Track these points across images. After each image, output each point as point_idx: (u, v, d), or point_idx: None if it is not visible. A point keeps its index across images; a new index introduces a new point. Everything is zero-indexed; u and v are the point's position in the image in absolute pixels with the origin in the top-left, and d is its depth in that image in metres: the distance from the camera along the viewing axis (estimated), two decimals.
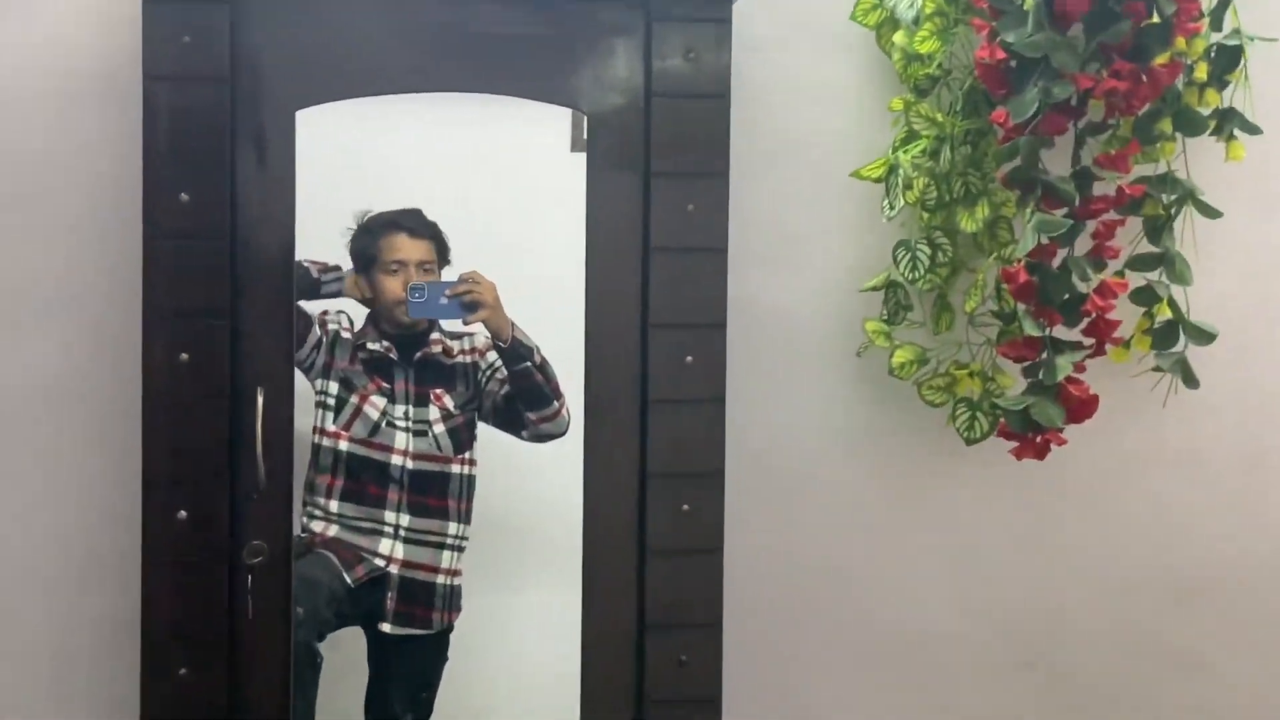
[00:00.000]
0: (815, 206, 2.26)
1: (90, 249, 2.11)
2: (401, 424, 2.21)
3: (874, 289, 2.21)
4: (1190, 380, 2.22)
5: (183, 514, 1.98)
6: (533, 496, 2.31)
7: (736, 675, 2.20)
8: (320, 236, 2.13)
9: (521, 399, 2.21)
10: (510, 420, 2.25)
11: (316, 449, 2.19)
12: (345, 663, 2.22)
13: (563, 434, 2.22)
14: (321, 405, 2.19)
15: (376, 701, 2.27)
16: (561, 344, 2.18)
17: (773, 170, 2.24)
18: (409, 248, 2.20)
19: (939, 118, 2.13)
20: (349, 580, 2.19)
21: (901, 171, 2.13)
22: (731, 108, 2.07)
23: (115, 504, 2.11)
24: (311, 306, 2.16)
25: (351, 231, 2.20)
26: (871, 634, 2.34)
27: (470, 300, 2.16)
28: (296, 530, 2.10)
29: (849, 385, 2.29)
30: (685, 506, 2.09)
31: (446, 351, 2.26)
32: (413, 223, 2.20)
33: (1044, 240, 2.02)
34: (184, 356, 1.97)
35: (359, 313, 2.21)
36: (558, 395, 2.22)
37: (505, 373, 2.22)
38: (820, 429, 2.29)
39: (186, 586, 2.00)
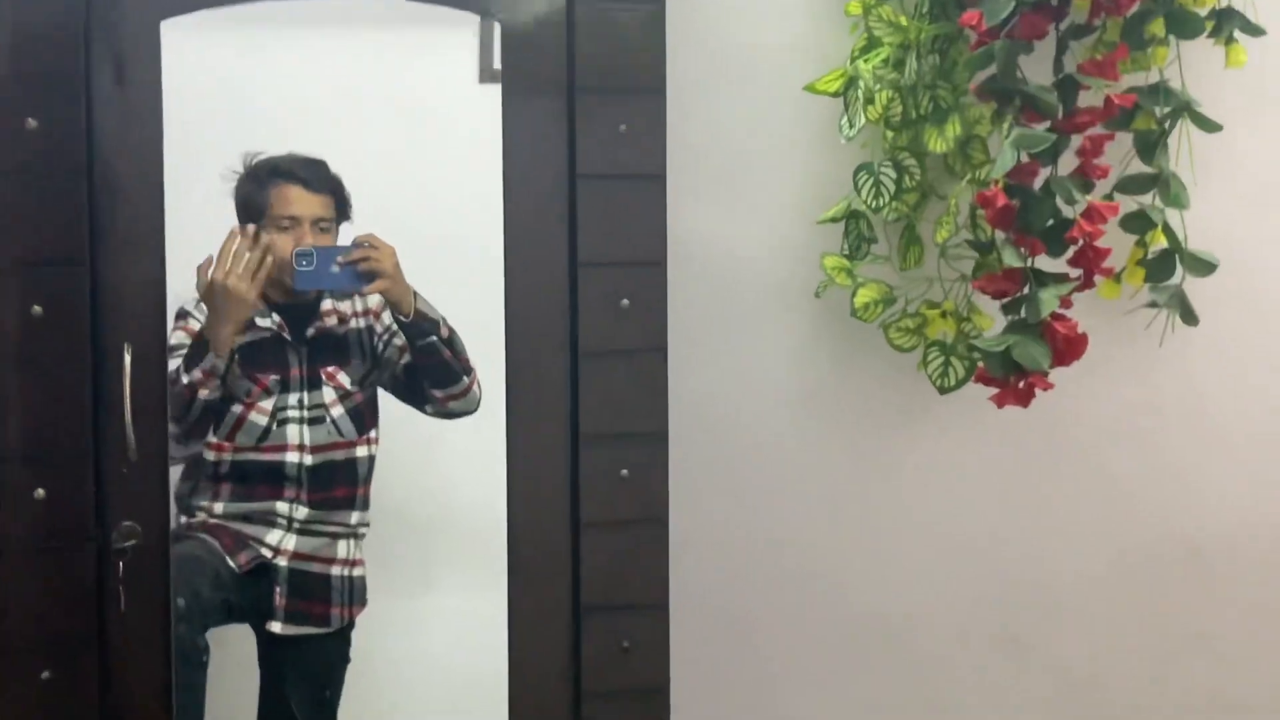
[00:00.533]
0: (764, 126, 2.09)
1: None
2: (295, 414, 2.02)
3: (832, 220, 2.04)
4: (1189, 317, 2.08)
5: (40, 493, 1.78)
6: (446, 473, 2.15)
7: (686, 662, 2.03)
8: (195, 177, 1.91)
9: (427, 376, 2.03)
10: (412, 393, 2.06)
11: (193, 462, 1.99)
12: (235, 662, 2.04)
13: (473, 412, 2.04)
14: (188, 418, 1.97)
15: (271, 711, 2.07)
16: (478, 300, 1.98)
17: (716, 86, 2.07)
18: (304, 202, 1.98)
19: (903, 22, 1.95)
20: (233, 566, 2.00)
21: (862, 84, 1.96)
22: (667, 15, 1.88)
23: None
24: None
25: (237, 176, 1.98)
26: (837, 611, 2.18)
27: (366, 268, 1.95)
28: (173, 523, 1.90)
29: (807, 330, 2.12)
30: (624, 472, 1.90)
31: (340, 319, 2.06)
32: (309, 173, 1.98)
33: (1024, 158, 1.88)
34: (37, 310, 1.76)
35: None
36: (467, 370, 2.03)
37: (402, 343, 2.04)
38: (775, 380, 2.13)
39: (47, 577, 1.79)
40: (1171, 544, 2.24)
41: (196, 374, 1.94)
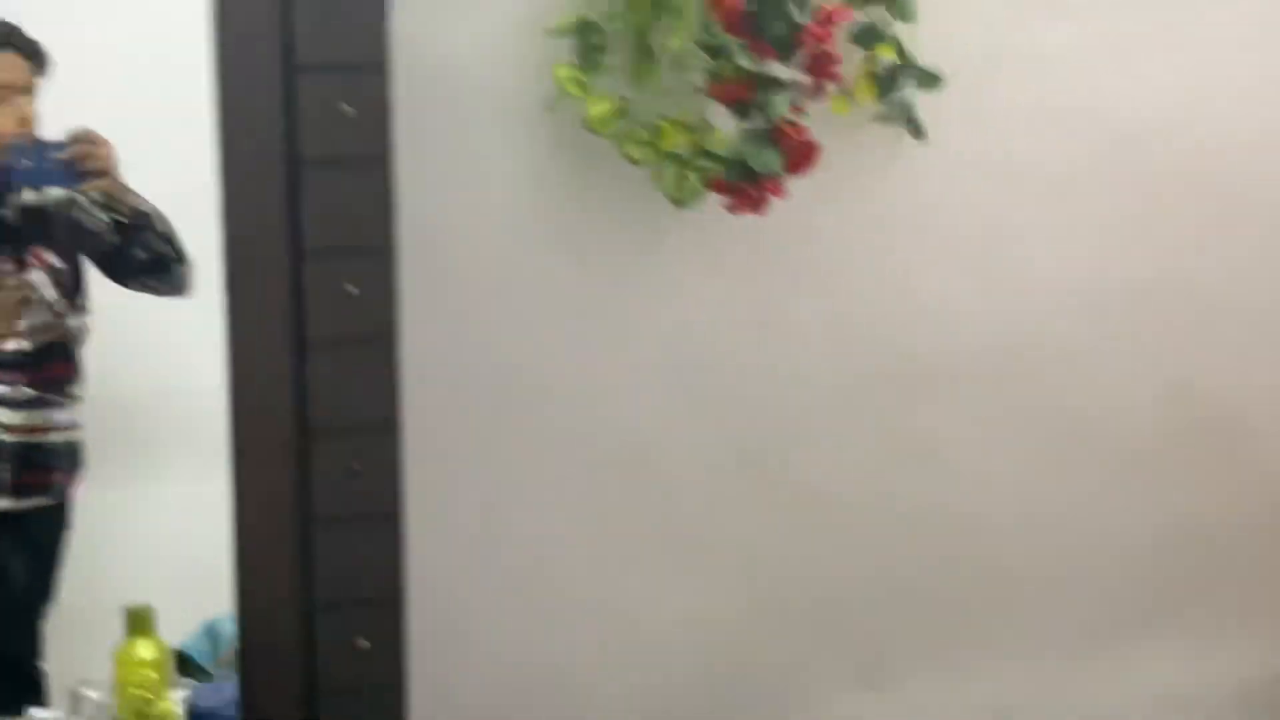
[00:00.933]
0: None
1: None
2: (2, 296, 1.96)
3: (563, 32, 1.97)
4: (918, 132, 2.10)
5: None
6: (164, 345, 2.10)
7: (419, 489, 1.95)
8: None
9: (141, 268, 2.00)
10: (119, 272, 2.03)
11: None
12: None
13: (183, 295, 2.04)
14: None
15: None
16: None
17: None
18: (15, 68, 1.92)
19: None
20: None
21: None
22: None
23: None
24: None
25: None
26: (574, 433, 2.14)
27: (86, 166, 1.89)
28: None
29: (538, 144, 2.05)
30: (350, 288, 1.81)
31: (39, 191, 1.99)
32: (16, 39, 1.92)
33: None
34: None
35: None
36: (181, 258, 2.02)
37: (104, 221, 1.99)
38: (506, 197, 2.06)
39: None
40: (900, 359, 2.26)
41: None
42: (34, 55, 1.94)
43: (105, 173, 1.93)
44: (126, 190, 1.95)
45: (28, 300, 1.97)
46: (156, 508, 2.14)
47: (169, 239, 1.99)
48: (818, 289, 2.21)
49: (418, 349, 1.93)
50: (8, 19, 1.94)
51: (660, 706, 2.23)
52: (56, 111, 2.01)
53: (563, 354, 2.12)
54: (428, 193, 1.99)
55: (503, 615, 2.14)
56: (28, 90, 1.92)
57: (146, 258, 2.00)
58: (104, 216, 1.99)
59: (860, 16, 2.01)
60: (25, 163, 1.90)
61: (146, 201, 1.96)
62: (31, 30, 1.97)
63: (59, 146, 1.91)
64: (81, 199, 1.99)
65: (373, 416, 1.84)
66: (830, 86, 1.96)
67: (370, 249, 1.83)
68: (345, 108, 1.80)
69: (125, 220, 1.97)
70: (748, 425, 2.21)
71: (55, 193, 2.00)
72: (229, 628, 2.06)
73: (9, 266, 1.98)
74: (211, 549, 1.92)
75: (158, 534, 2.14)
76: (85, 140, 1.91)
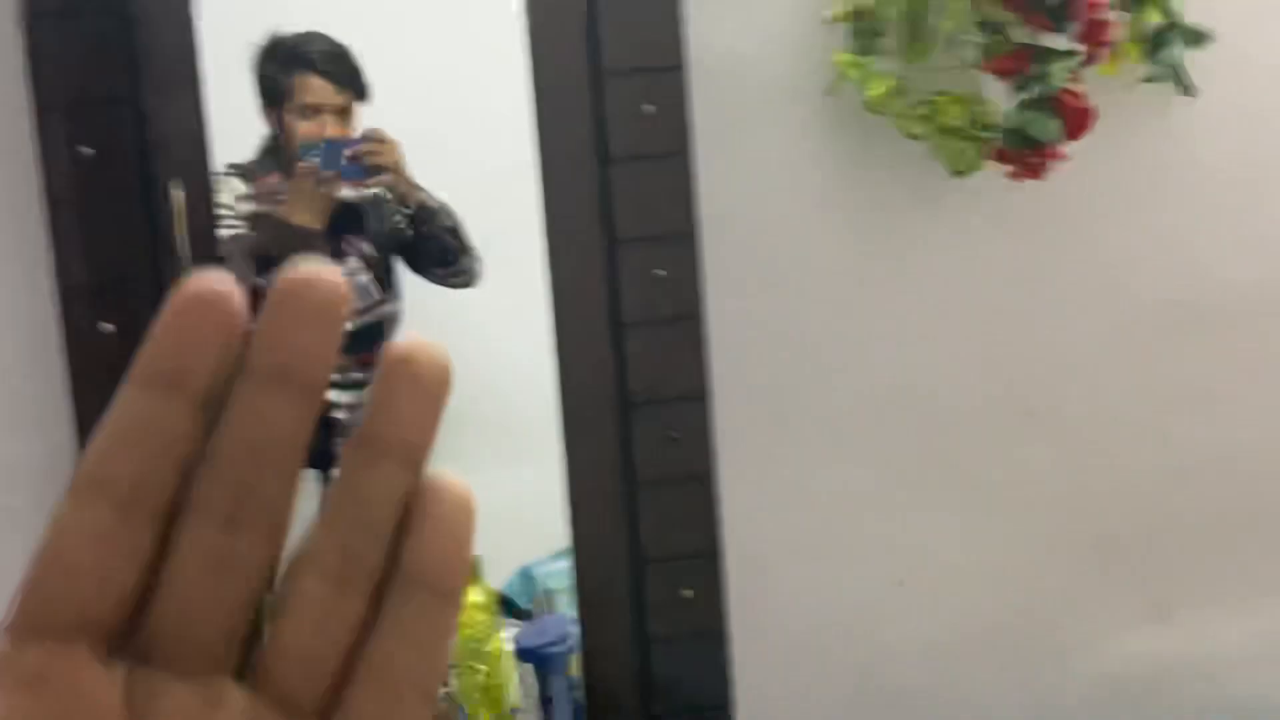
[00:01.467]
0: None
1: None
2: None
3: (840, 20, 2.02)
4: (1188, 89, 2.08)
5: (107, 327, 1.79)
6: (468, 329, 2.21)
7: (729, 450, 2.05)
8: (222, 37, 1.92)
9: (429, 258, 2.10)
10: (418, 264, 2.17)
11: None
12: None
13: (472, 286, 2.17)
14: None
15: None
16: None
17: None
18: (326, 92, 2.03)
19: None
20: None
21: None
22: None
23: (34, 328, 1.89)
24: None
25: (260, 52, 2.01)
26: (865, 388, 2.19)
27: (372, 163, 1.99)
28: None
29: (821, 127, 2.11)
30: (660, 271, 1.93)
31: (355, 188, 2.13)
32: (333, 67, 2.03)
33: None
34: (86, 150, 1.77)
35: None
36: (466, 250, 2.13)
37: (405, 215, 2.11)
38: (795, 177, 2.11)
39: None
40: (1172, 308, 2.25)
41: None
42: (352, 82, 2.04)
43: (391, 169, 2.02)
44: (413, 185, 2.05)
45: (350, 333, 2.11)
46: (471, 472, 2.26)
47: (455, 232, 2.09)
48: (1093, 244, 2.22)
49: (723, 324, 2.03)
50: (338, 41, 2.05)
51: (952, 640, 2.27)
52: (380, 118, 2.17)
53: (855, 319, 2.17)
54: (725, 180, 2.06)
55: (808, 562, 2.21)
56: (339, 112, 2.03)
57: (436, 249, 2.10)
58: (400, 211, 2.10)
59: None
60: (315, 156, 1.99)
61: (433, 197, 2.06)
62: (360, 43, 2.11)
63: (350, 143, 2.01)
64: (383, 194, 2.11)
65: (686, 388, 1.96)
66: (1103, 52, 1.96)
67: (674, 235, 1.94)
68: (647, 107, 1.91)
69: (412, 213, 2.07)
70: (1028, 375, 2.24)
71: (370, 191, 2.12)
72: (540, 571, 2.19)
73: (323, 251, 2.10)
74: (519, 500, 2.05)
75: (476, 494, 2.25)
76: (374, 139, 2.01)
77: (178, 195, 1.81)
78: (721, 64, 2.05)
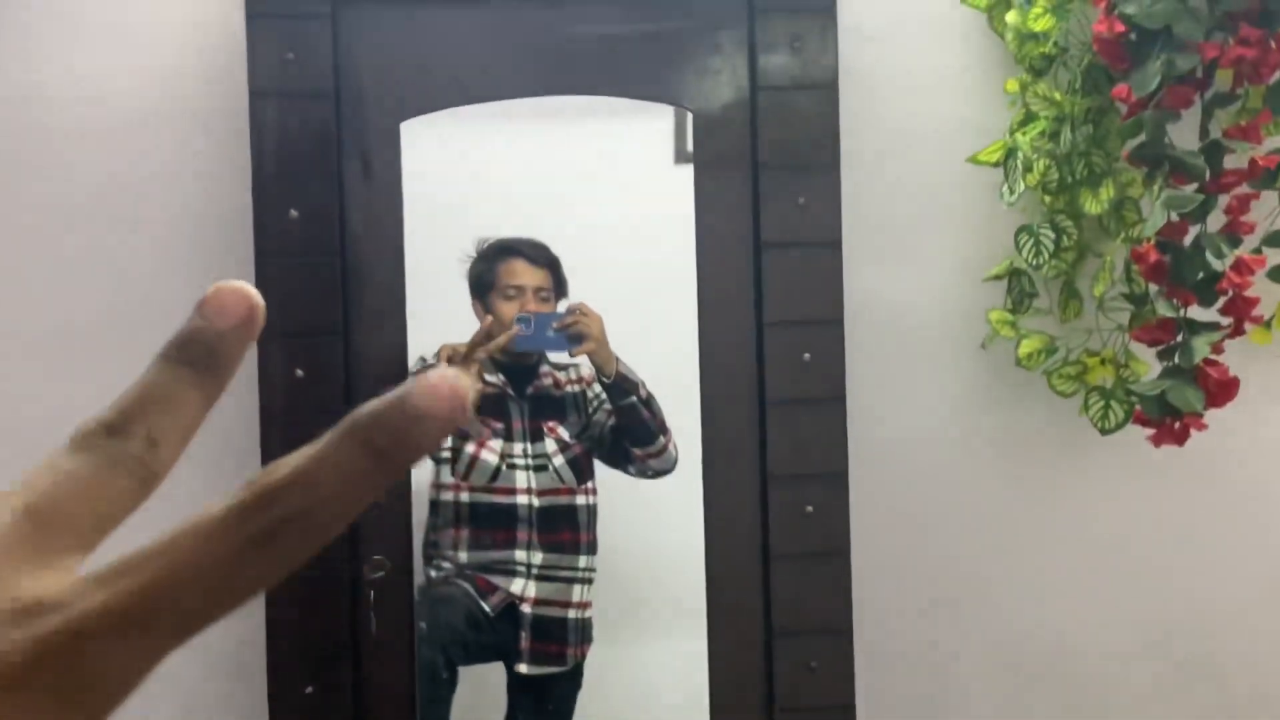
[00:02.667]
0: (931, 196, 2.12)
1: (204, 270, 2.04)
2: (521, 462, 2.15)
3: (996, 278, 2.08)
4: None
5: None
6: (653, 520, 2.24)
7: (868, 684, 2.06)
8: (430, 258, 2.05)
9: (627, 435, 2.15)
10: (616, 455, 2.18)
11: (435, 504, 2.13)
12: (483, 699, 2.18)
13: (670, 470, 2.15)
14: (435, 460, 2.12)
15: None
16: (675, 360, 2.10)
17: (886, 161, 2.11)
18: (527, 274, 2.15)
19: (1058, 97, 1.99)
20: (486, 608, 2.13)
21: (1021, 154, 2.00)
22: (840, 98, 1.96)
23: None
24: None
25: (471, 259, 2.14)
26: (1009, 643, 2.17)
27: (576, 332, 2.10)
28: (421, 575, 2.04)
29: (974, 379, 2.14)
30: (809, 508, 1.98)
31: (556, 383, 2.20)
32: (532, 251, 2.15)
33: (1174, 217, 1.87)
34: (299, 373, 1.91)
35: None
36: (664, 430, 2.15)
37: (609, 410, 2.16)
38: (946, 425, 2.15)
39: (310, 603, 1.93)
40: None
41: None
42: (550, 266, 2.16)
43: (594, 338, 2.12)
44: (612, 357, 2.12)
45: (536, 510, 2.16)
46: (643, 664, 2.24)
47: (650, 405, 2.13)
48: (1233, 503, 2.19)
49: (873, 549, 2.06)
50: (540, 240, 2.17)
51: None
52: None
53: (996, 562, 2.16)
54: (878, 423, 2.11)
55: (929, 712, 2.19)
56: (538, 293, 2.14)
57: (636, 426, 2.14)
58: (609, 407, 2.17)
59: (1277, 256, 2.00)
60: (526, 329, 2.11)
61: (633, 371, 2.12)
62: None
63: (556, 316, 2.12)
64: (592, 393, 2.18)
65: (828, 622, 1.98)
66: (1247, 326, 1.95)
67: (826, 474, 1.98)
68: (805, 356, 1.97)
69: (609, 382, 2.14)
70: (1168, 630, 2.19)
71: (572, 389, 2.19)
72: None
73: (520, 426, 2.16)
74: (689, 696, 2.06)
75: (647, 684, 2.24)
76: (578, 311, 2.11)
77: None
78: (880, 316, 2.11)
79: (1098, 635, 2.19)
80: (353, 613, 1.94)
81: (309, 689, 1.92)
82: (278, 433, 1.91)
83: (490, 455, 2.13)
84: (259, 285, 1.87)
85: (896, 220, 2.12)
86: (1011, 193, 2.02)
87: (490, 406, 2.14)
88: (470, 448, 2.12)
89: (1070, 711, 2.19)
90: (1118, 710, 2.19)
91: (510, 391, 2.16)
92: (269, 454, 1.91)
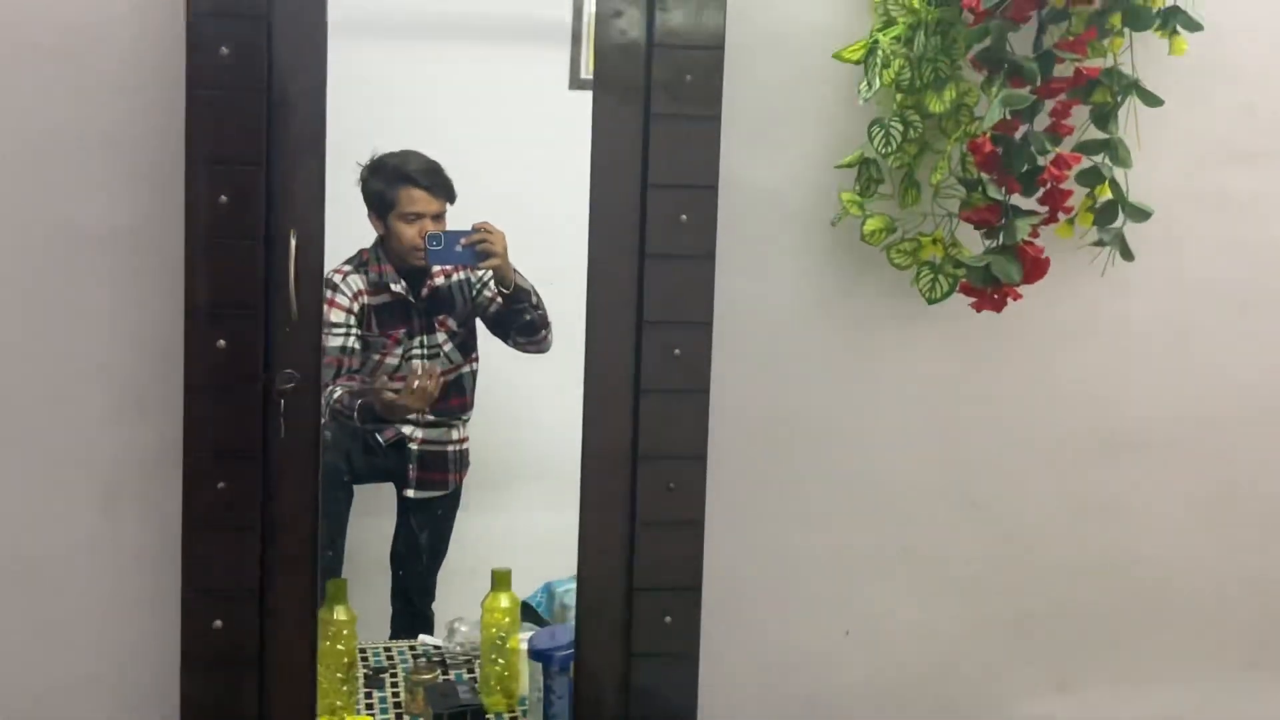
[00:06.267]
0: (800, 88, 2.09)
1: (137, 102, 1.91)
2: (418, 353, 2.16)
3: (849, 165, 2.06)
4: (1126, 253, 2.10)
5: (221, 343, 1.82)
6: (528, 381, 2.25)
7: (719, 502, 2.07)
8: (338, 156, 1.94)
9: (516, 329, 2.18)
10: (500, 332, 2.21)
11: (335, 378, 2.11)
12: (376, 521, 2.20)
13: (545, 352, 2.20)
14: (348, 355, 2.13)
15: (402, 544, 2.24)
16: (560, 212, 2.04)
17: (762, 54, 2.07)
18: (426, 202, 2.12)
19: (915, 4, 1.97)
20: (380, 439, 2.16)
21: (880, 52, 1.98)
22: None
23: (161, 336, 1.93)
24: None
25: (363, 170, 2.12)
26: (838, 468, 2.21)
27: (483, 249, 2.08)
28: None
29: (825, 250, 2.14)
30: (677, 351, 1.95)
31: (445, 275, 2.19)
32: (431, 181, 2.12)
33: (1008, 115, 1.89)
34: (223, 199, 1.80)
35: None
36: (546, 325, 2.18)
37: (491, 294, 2.18)
38: (799, 290, 2.14)
39: (225, 407, 1.83)
40: (1095, 432, 2.26)
41: (342, 393, 2.09)
42: (446, 191, 2.13)
43: (497, 255, 2.10)
44: (511, 269, 2.12)
45: (439, 386, 2.17)
46: (517, 501, 2.27)
47: (539, 309, 2.14)
48: (1037, 371, 2.23)
49: (726, 398, 2.05)
50: (431, 158, 2.12)
51: (887, 690, 2.28)
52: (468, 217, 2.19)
53: (834, 408, 2.17)
54: (741, 280, 2.09)
55: (773, 606, 2.21)
56: (437, 217, 2.13)
57: (523, 322, 2.16)
58: (493, 289, 2.16)
59: (1086, 161, 2.03)
60: (437, 246, 2.09)
61: (527, 281, 2.12)
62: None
63: (464, 234, 2.09)
64: (475, 278, 2.16)
65: (686, 449, 1.97)
66: (1060, 215, 2.00)
67: (694, 323, 1.95)
68: (683, 218, 1.93)
69: (508, 292, 2.13)
70: (972, 474, 2.24)
71: (457, 278, 2.18)
72: (561, 589, 2.21)
73: (418, 324, 2.17)
74: (552, 531, 2.06)
75: (519, 520, 2.26)
76: (484, 230, 2.09)
77: (292, 241, 1.83)
78: (749, 190, 2.09)
79: (909, 470, 2.23)
80: (264, 420, 1.85)
81: (221, 484, 1.84)
82: (202, 255, 1.81)
83: (392, 359, 2.14)
84: (190, 118, 1.77)
85: (768, 108, 2.08)
86: (869, 88, 2.00)
87: (394, 313, 2.15)
88: (375, 356, 2.13)
89: (885, 534, 2.24)
90: (917, 531, 2.25)
91: (410, 298, 2.16)
92: (193, 273, 1.81)
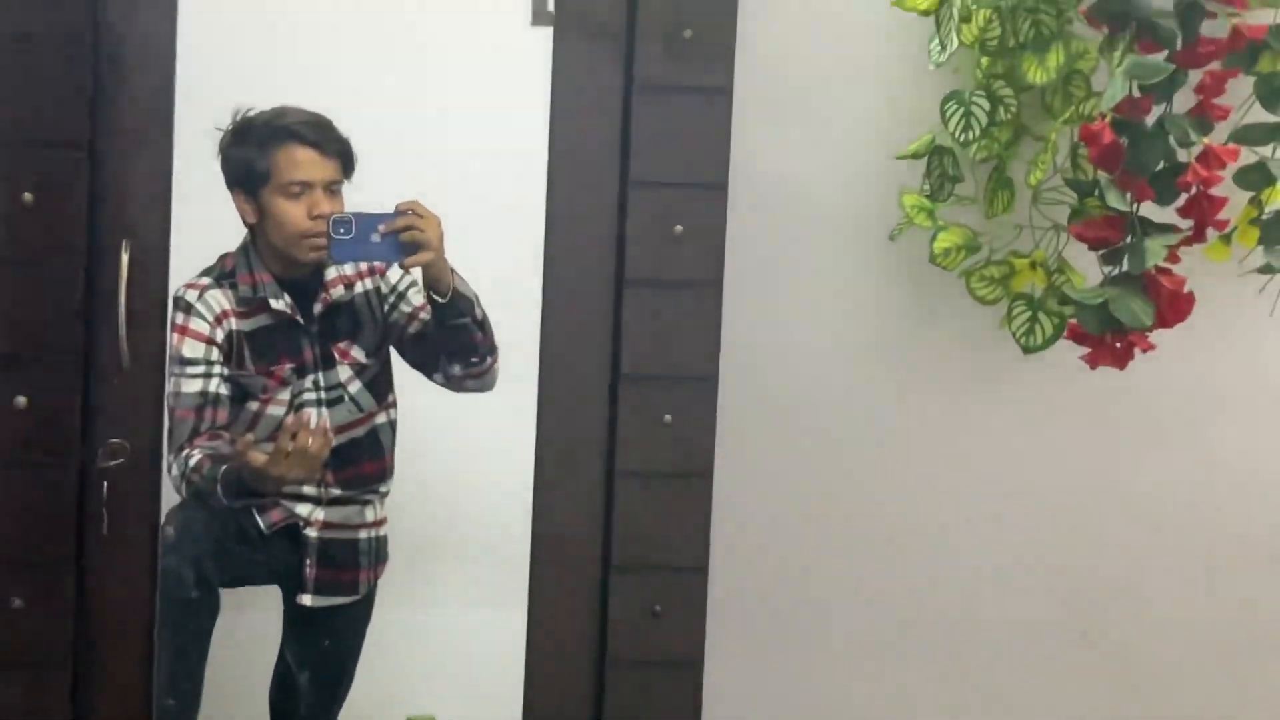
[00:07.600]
0: (845, 45, 1.86)
1: None
2: (312, 397, 1.85)
3: (915, 155, 1.82)
4: None
5: (21, 400, 1.56)
6: (467, 436, 1.96)
7: (721, 632, 1.80)
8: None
9: (451, 353, 1.84)
10: (423, 361, 1.88)
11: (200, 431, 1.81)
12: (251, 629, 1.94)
13: (488, 390, 1.86)
14: (211, 404, 1.81)
15: (289, 684, 1.94)
16: (512, 246, 1.78)
17: (788, 6, 1.83)
18: (315, 166, 1.78)
19: None
20: (261, 523, 1.84)
21: (958, 1, 1.72)
22: None
23: None
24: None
25: (223, 134, 1.80)
26: (895, 596, 1.94)
27: (409, 239, 1.75)
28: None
29: (878, 275, 1.90)
30: (667, 418, 1.67)
31: (345, 283, 1.88)
32: (319, 135, 1.79)
33: (1136, 91, 1.66)
34: (27, 197, 1.54)
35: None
36: (492, 350, 1.84)
37: (414, 307, 1.85)
38: (838, 328, 1.91)
39: (25, 493, 1.58)
40: (1266, 540, 2.01)
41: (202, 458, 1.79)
42: (341, 154, 1.84)
43: (430, 247, 1.76)
44: (448, 270, 1.82)
45: (327, 444, 1.86)
46: (449, 624, 2.03)
47: (484, 327, 1.88)
48: (1178, 450, 1.99)
49: (735, 486, 1.80)
50: (320, 113, 1.83)
51: None
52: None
53: (888, 504, 1.96)
54: (758, 318, 1.85)
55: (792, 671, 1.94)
56: (329, 188, 1.83)
57: (464, 344, 1.84)
58: (418, 299, 1.89)
59: (1248, 155, 1.76)
60: (345, 233, 1.76)
61: (468, 286, 1.86)
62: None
63: (384, 218, 1.78)
64: (388, 287, 1.81)
65: (680, 559, 1.69)
66: (1210, 232, 1.74)
67: (692, 378, 1.69)
68: (678, 228, 1.67)
69: (443, 301, 1.82)
70: (1087, 597, 1.98)
71: (364, 286, 1.87)
72: None
73: (311, 357, 1.87)
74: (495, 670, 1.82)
75: (456, 636, 2.01)
76: (411, 211, 1.77)
77: (124, 256, 1.56)
78: (769, 185, 1.85)
79: (992, 593, 1.97)
80: (80, 509, 1.60)
81: (16, 602, 1.58)
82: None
83: (277, 408, 1.83)
84: None
85: (801, 71, 1.85)
86: (943, 50, 1.76)
87: (276, 341, 1.83)
88: (254, 404, 1.82)
89: (960, 674, 1.95)
90: (1009, 676, 1.96)
91: (299, 319, 1.86)
92: None
